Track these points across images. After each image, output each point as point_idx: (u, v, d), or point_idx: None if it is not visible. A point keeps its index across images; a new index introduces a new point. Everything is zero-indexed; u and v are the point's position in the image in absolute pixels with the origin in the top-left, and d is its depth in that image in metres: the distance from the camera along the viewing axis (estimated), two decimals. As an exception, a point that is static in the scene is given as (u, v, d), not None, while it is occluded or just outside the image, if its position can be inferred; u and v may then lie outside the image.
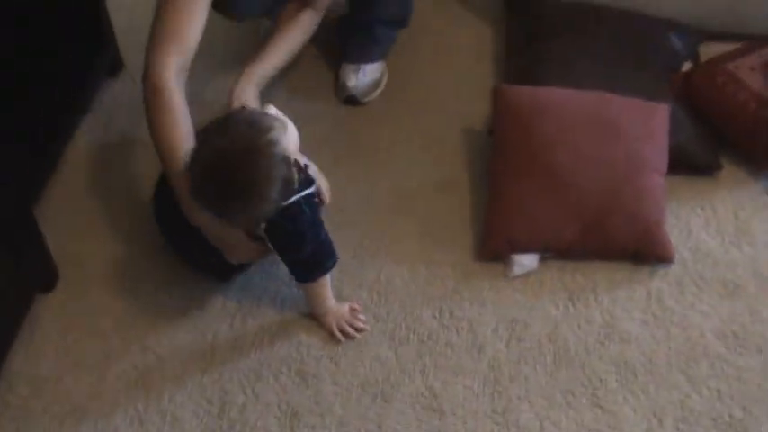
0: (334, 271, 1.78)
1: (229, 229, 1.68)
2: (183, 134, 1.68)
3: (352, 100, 2.21)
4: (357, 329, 1.77)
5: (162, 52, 1.74)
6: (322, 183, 1.86)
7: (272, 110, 1.63)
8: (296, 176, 1.62)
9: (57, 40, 2.11)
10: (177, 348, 1.75)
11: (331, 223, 1.81)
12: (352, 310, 1.79)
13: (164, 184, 1.77)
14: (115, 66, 2.28)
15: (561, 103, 1.92)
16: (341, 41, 2.26)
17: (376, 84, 2.23)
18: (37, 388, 1.69)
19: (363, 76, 2.20)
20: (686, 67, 2.18)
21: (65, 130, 2.12)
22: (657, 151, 1.92)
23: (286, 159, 1.58)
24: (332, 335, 1.76)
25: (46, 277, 1.84)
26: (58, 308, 1.81)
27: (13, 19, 2.02)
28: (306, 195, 1.65)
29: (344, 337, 1.76)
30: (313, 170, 1.78)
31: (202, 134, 1.60)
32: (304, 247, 1.68)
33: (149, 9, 1.82)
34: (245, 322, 1.79)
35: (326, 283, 1.76)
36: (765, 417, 1.64)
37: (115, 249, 1.92)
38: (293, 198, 1.62)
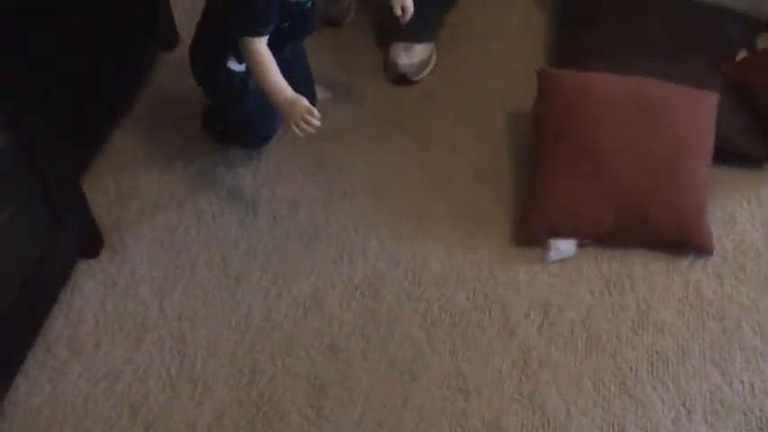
0: (372, 247, 1.83)
1: None
2: None
3: (402, 78, 2.21)
4: (311, 125, 1.74)
5: None
6: None
7: None
8: None
9: (113, 14, 2.15)
10: (212, 318, 1.78)
11: (370, 201, 1.84)
12: (309, 110, 1.74)
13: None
14: (171, 40, 2.32)
15: (603, 88, 1.89)
16: (391, 20, 2.24)
17: (425, 63, 2.23)
18: (75, 351, 1.73)
19: (413, 55, 2.20)
20: (741, 56, 2.14)
21: (120, 103, 2.16)
22: (702, 140, 1.89)
23: None
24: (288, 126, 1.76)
25: (90, 243, 1.89)
26: (99, 274, 1.86)
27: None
28: None
29: (298, 129, 1.74)
30: None
31: None
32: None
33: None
34: (279, 296, 1.81)
35: (262, 62, 1.75)
36: (799, 414, 1.62)
37: (159, 219, 1.96)
38: None
